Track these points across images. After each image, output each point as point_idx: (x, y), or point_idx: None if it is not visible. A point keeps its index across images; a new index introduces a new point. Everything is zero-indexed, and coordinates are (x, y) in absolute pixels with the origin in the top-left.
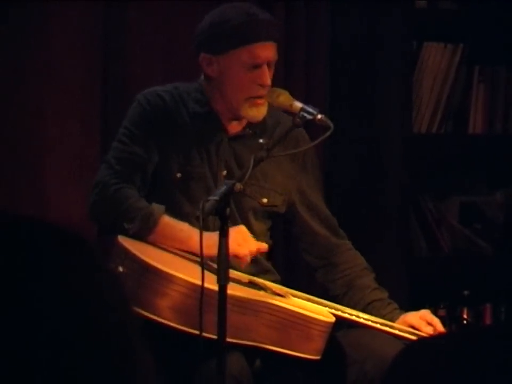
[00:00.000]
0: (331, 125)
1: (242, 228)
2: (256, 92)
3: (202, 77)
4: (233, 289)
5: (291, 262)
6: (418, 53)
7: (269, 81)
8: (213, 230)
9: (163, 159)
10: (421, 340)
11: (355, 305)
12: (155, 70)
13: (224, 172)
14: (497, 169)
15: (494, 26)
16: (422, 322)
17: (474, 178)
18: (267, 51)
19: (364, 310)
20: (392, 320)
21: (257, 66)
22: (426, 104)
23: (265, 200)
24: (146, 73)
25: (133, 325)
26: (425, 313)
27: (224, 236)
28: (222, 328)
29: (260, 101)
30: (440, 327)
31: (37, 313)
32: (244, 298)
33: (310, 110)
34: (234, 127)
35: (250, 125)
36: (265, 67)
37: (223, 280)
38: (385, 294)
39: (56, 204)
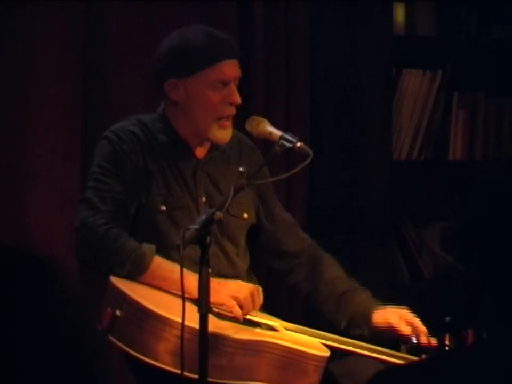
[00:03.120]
0: (311, 152)
1: (238, 281)
2: (226, 111)
3: (162, 105)
4: (232, 331)
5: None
6: (398, 79)
7: (239, 99)
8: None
9: (145, 193)
10: (393, 366)
11: (329, 298)
12: (135, 96)
13: (204, 199)
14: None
15: (472, 52)
16: (402, 322)
17: (454, 204)
18: (233, 68)
19: (337, 303)
20: (369, 310)
21: (225, 85)
22: (406, 131)
23: (246, 215)
24: (127, 100)
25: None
26: (406, 312)
27: (204, 265)
28: (203, 360)
29: (227, 123)
30: (421, 327)
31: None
32: (246, 340)
33: (290, 138)
34: (202, 152)
35: (211, 147)
36: (233, 85)
37: (204, 309)
38: (356, 284)
39: (37, 232)
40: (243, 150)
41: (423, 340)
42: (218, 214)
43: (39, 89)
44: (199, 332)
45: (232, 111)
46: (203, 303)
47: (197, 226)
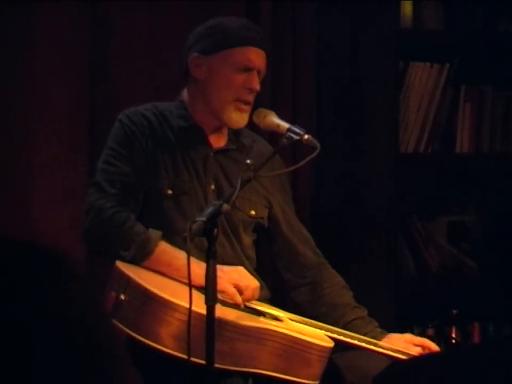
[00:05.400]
0: (318, 145)
1: (239, 268)
2: (244, 95)
3: (183, 93)
4: (235, 317)
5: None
6: (405, 73)
7: (258, 87)
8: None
9: (153, 176)
10: (401, 361)
11: (335, 323)
12: (141, 92)
13: (213, 186)
14: (484, 188)
15: (479, 46)
16: (409, 345)
17: (461, 197)
18: (259, 58)
19: (344, 328)
20: (376, 340)
21: (248, 70)
22: (413, 124)
23: (253, 212)
24: (132, 96)
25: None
26: (409, 337)
27: (211, 257)
28: (210, 350)
29: (244, 107)
30: (432, 345)
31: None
32: (248, 326)
33: (297, 130)
34: (217, 142)
35: (230, 140)
36: (255, 73)
37: (211, 301)
38: (364, 312)
39: (43, 227)
40: (264, 154)
41: None
42: (226, 206)
43: (45, 85)
44: (206, 324)
45: (249, 97)
46: (210, 295)
47: (204, 219)
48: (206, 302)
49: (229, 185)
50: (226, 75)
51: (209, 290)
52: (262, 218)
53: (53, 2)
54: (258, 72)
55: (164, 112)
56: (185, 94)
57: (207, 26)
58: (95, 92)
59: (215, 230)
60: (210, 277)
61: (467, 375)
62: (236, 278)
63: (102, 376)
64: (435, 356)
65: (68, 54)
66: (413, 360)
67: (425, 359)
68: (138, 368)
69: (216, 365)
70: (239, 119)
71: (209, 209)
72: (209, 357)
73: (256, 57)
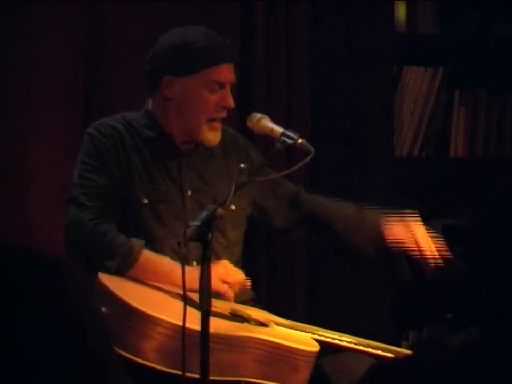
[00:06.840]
0: (312, 149)
1: (224, 263)
2: (218, 113)
3: (149, 103)
4: (217, 327)
5: (274, 281)
6: (399, 77)
7: (233, 104)
8: (192, 259)
9: (128, 186)
10: (386, 361)
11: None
12: (137, 95)
13: (189, 192)
14: (478, 192)
15: (474, 49)
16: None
17: (456, 201)
18: (230, 72)
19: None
20: (377, 219)
21: (221, 87)
22: (407, 128)
23: (233, 207)
24: (128, 99)
25: (111, 354)
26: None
27: (205, 262)
28: (205, 356)
29: (217, 125)
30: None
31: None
32: (230, 336)
33: (291, 134)
34: (186, 147)
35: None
36: (228, 89)
37: (205, 306)
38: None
39: (39, 230)
40: (226, 141)
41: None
42: (220, 211)
43: (40, 87)
44: (200, 330)
45: (223, 114)
46: (204, 300)
47: (198, 223)
48: (201, 307)
49: (206, 188)
50: (200, 96)
51: (204, 295)
52: (243, 208)
53: (48, 5)
54: (230, 84)
55: (132, 122)
56: (151, 105)
57: (172, 45)
58: (90, 94)
59: (209, 235)
60: (205, 281)
61: (452, 377)
62: (223, 273)
63: (100, 380)
64: (419, 357)
65: (63, 56)
66: (397, 361)
67: (410, 359)
68: (131, 377)
69: (197, 375)
70: (214, 138)
71: (203, 214)
72: (204, 366)
73: (229, 72)
